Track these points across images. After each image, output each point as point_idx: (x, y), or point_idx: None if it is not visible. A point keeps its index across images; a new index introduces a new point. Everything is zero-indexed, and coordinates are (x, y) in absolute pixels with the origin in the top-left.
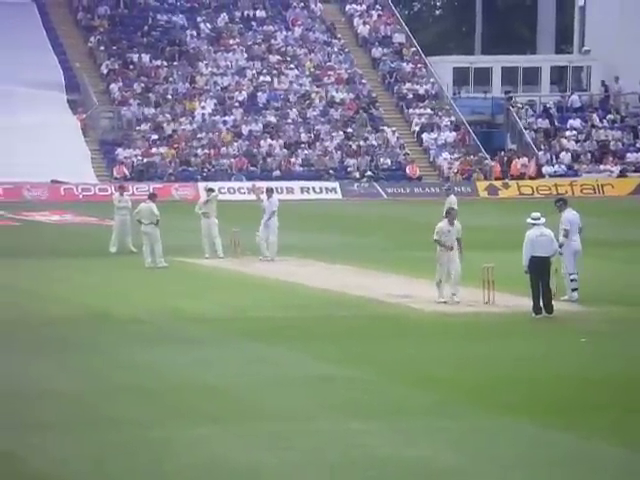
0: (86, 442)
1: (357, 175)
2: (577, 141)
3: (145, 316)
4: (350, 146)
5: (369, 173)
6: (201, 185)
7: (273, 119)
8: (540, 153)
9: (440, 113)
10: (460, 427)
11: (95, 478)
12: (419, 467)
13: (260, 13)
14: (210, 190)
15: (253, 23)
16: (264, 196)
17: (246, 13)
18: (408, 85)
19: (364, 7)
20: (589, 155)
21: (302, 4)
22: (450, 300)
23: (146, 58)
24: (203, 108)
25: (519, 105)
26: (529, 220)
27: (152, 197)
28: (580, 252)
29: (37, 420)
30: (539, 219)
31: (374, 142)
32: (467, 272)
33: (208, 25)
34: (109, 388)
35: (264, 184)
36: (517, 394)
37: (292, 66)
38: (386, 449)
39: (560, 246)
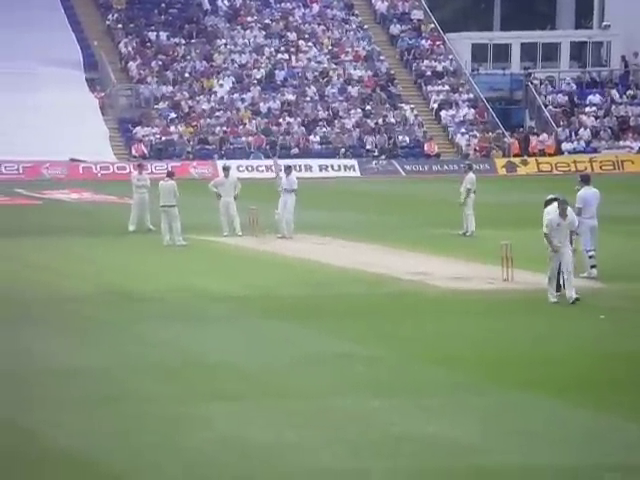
0: (108, 418)
1: (375, 153)
2: (596, 117)
3: (165, 294)
4: (368, 124)
5: (383, 157)
6: (219, 163)
7: (291, 97)
8: (559, 129)
9: (459, 90)
10: (481, 404)
11: (117, 453)
12: (440, 444)
13: None
14: (226, 169)
15: (271, 0)
16: (282, 174)
17: None
18: (426, 62)
19: None
20: (609, 131)
21: None
22: (563, 299)
23: (164, 36)
24: (221, 86)
25: (538, 81)
26: (550, 196)
27: (170, 175)
28: (596, 229)
29: (60, 397)
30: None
31: (392, 119)
32: (485, 249)
33: (226, 2)
34: (131, 365)
35: (282, 162)
36: (538, 371)
37: (310, 43)
38: (407, 426)
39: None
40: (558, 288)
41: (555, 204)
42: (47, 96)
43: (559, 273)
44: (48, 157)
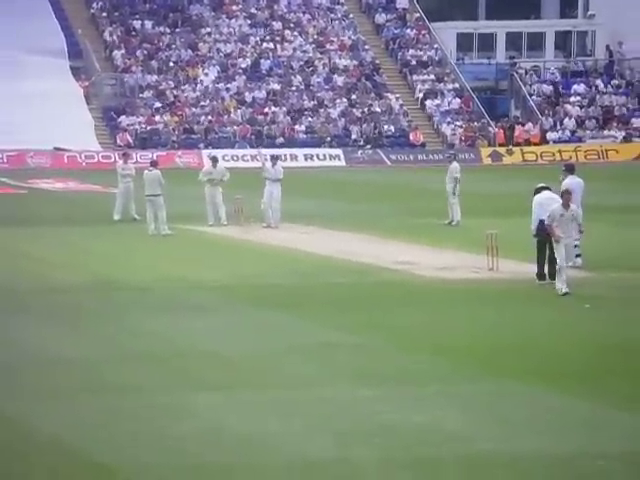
0: (96, 407)
1: (361, 142)
2: (581, 107)
3: (151, 284)
4: (354, 113)
5: (368, 147)
6: (204, 152)
7: (276, 86)
8: (544, 119)
9: (444, 79)
10: (471, 393)
11: (104, 442)
12: (427, 432)
13: None
14: (214, 159)
15: None
16: (268, 164)
17: None
18: (412, 51)
19: None
20: (593, 121)
21: None
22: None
23: (149, 25)
24: (206, 75)
25: (523, 71)
26: (540, 185)
27: (154, 164)
28: (581, 218)
29: (47, 387)
30: (548, 188)
31: (377, 109)
32: (471, 239)
33: None
34: (116, 355)
35: (268, 151)
36: (525, 360)
37: (295, 33)
38: (394, 415)
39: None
40: (543, 276)
41: (544, 192)
42: (31, 85)
43: (544, 261)
44: (32, 146)
